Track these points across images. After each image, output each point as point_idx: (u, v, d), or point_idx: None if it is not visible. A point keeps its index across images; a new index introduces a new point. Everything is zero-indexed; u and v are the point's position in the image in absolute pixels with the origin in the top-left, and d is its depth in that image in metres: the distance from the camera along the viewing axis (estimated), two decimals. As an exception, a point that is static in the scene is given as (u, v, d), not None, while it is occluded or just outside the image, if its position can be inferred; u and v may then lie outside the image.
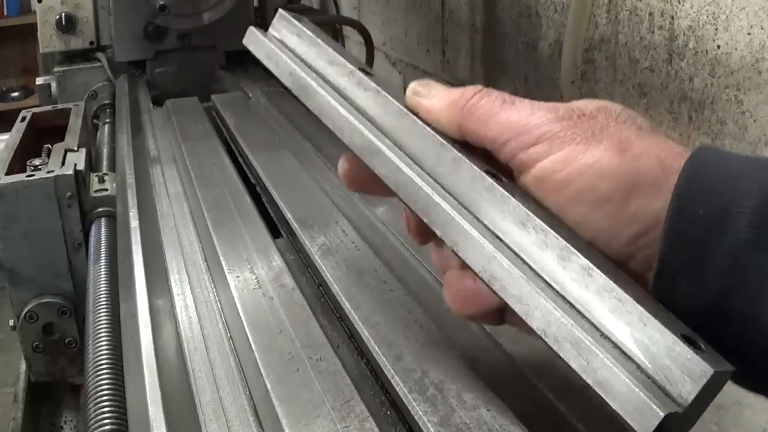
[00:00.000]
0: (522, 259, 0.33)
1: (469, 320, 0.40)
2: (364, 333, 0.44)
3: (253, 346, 0.45)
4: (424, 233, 0.39)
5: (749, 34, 0.82)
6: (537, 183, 0.34)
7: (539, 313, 0.31)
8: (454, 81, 1.56)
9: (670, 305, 0.31)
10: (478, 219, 0.34)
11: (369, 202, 0.67)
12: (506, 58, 1.35)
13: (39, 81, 1.30)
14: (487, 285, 0.33)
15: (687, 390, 0.27)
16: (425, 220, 0.36)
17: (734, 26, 0.84)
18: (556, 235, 0.32)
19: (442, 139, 0.36)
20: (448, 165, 0.36)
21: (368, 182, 0.40)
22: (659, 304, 0.31)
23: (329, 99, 0.41)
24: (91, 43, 1.28)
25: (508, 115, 0.35)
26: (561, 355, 0.30)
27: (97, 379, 0.52)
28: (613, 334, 0.29)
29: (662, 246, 0.31)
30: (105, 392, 0.51)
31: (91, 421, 0.48)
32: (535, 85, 1.27)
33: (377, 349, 0.43)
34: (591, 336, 0.29)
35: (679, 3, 0.92)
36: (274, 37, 0.46)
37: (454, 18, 1.53)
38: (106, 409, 0.49)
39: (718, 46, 0.86)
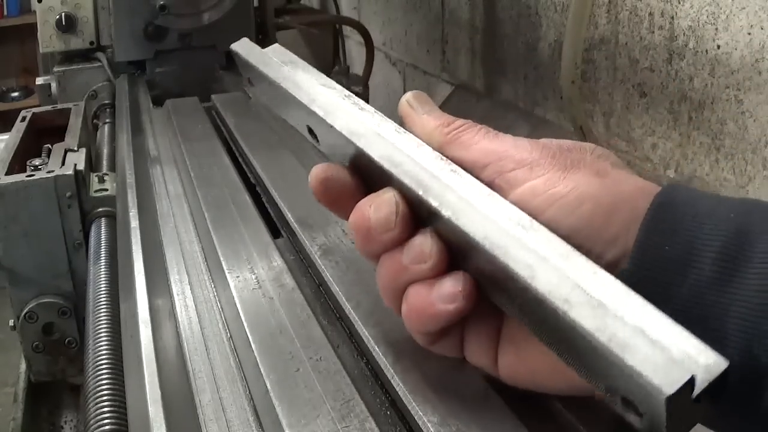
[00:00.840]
0: (528, 248, 0.31)
1: (431, 349, 0.39)
2: (364, 333, 0.44)
3: (253, 346, 0.45)
4: (411, 225, 0.37)
5: (749, 34, 0.82)
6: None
7: (546, 276, 0.29)
8: (454, 81, 1.56)
9: None
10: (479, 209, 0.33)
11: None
12: (506, 58, 1.35)
13: (39, 81, 1.30)
14: (488, 253, 0.31)
15: (703, 377, 0.25)
16: (420, 193, 0.35)
17: (734, 26, 0.84)
18: (557, 237, 0.31)
19: (440, 155, 0.37)
20: (447, 174, 0.35)
21: (340, 196, 0.40)
22: None
23: (324, 91, 0.41)
24: (91, 43, 1.28)
25: (489, 143, 0.36)
26: (572, 314, 0.28)
27: (97, 379, 0.52)
28: (624, 312, 0.27)
29: (627, 280, 0.31)
30: (105, 392, 0.51)
31: (91, 421, 0.48)
32: (535, 85, 1.27)
33: (377, 349, 0.43)
34: (601, 307, 0.28)
35: (679, 3, 0.92)
36: (267, 54, 0.47)
37: (454, 18, 1.53)
38: (106, 409, 0.49)
39: (718, 46, 0.86)
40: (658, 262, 0.31)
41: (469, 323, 0.38)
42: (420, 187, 0.35)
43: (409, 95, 0.41)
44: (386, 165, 0.37)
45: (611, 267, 0.32)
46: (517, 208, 0.33)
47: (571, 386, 0.35)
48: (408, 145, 0.37)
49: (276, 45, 0.48)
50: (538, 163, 0.34)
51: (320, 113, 0.41)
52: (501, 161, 0.35)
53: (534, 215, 0.33)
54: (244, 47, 0.49)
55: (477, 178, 0.36)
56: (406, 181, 0.36)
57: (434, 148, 0.37)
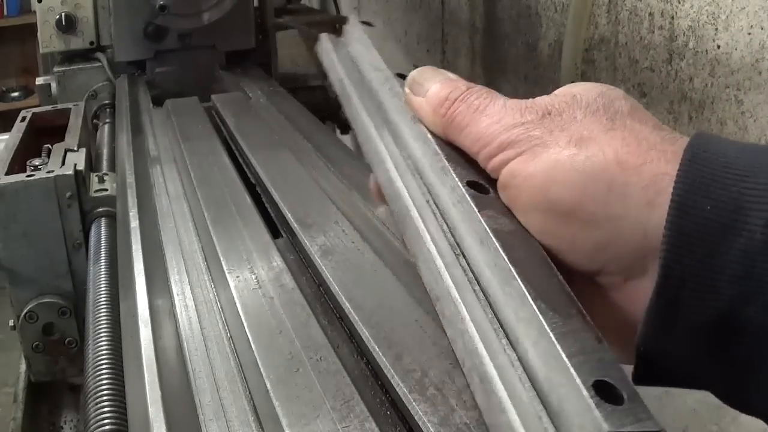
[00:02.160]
0: (474, 278, 0.32)
1: None
2: (364, 333, 0.44)
3: (253, 347, 0.45)
4: None
5: (749, 34, 0.82)
6: (502, 192, 0.34)
7: (462, 342, 0.32)
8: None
9: (674, 319, 0.28)
10: (450, 232, 0.35)
11: (369, 201, 0.67)
12: (506, 58, 1.35)
13: (39, 81, 1.30)
14: (434, 305, 0.34)
15: None
16: (403, 235, 0.38)
17: (734, 26, 0.84)
18: (505, 257, 0.31)
19: (437, 148, 0.37)
20: (438, 173, 0.36)
21: None
22: (598, 340, 0.28)
23: (359, 109, 0.45)
24: (91, 43, 1.28)
25: (478, 124, 0.35)
26: (471, 388, 0.30)
27: (97, 379, 0.52)
28: (531, 370, 0.28)
29: (665, 248, 0.28)
30: (105, 392, 0.51)
31: (91, 421, 0.49)
32: (535, 85, 1.27)
33: (377, 349, 0.43)
34: (503, 372, 0.29)
35: (679, 3, 0.92)
36: (341, 41, 0.50)
37: (454, 18, 1.53)
38: (106, 409, 0.49)
39: (718, 46, 0.86)
40: (701, 223, 0.27)
41: None
42: (403, 228, 0.38)
43: (409, 79, 0.40)
44: (386, 197, 0.41)
45: (597, 252, 0.31)
46: (501, 208, 0.34)
47: (630, 358, 0.32)
48: (417, 139, 0.39)
49: (351, 20, 0.51)
50: (518, 140, 0.33)
51: (356, 132, 0.45)
52: (487, 147, 0.34)
53: (514, 198, 0.33)
54: (321, 48, 0.52)
55: (475, 163, 0.36)
56: (395, 218, 0.39)
57: (439, 134, 0.38)
